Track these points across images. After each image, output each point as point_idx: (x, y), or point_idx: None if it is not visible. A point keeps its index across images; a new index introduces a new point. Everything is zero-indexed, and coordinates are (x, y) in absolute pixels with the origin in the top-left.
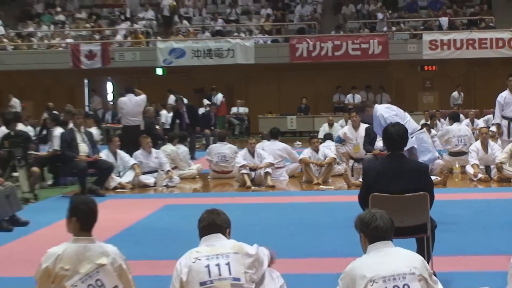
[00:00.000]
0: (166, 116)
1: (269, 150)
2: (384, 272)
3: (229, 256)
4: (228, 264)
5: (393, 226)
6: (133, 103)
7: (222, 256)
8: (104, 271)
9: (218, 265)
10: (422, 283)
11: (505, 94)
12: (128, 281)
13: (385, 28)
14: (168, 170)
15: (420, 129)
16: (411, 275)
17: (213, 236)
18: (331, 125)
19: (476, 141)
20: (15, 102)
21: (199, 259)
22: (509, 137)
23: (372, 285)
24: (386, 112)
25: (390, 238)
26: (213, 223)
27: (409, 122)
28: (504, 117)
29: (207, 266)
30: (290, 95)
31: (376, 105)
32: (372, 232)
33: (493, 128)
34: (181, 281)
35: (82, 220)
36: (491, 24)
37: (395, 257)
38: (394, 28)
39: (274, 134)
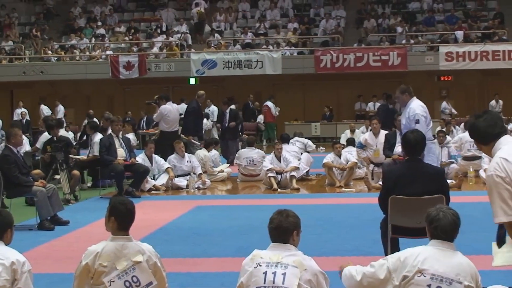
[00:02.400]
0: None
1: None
2: (435, 271)
3: (288, 267)
4: (284, 274)
5: (455, 227)
6: (176, 111)
7: (282, 266)
8: (140, 268)
9: (274, 273)
10: None
11: None
12: (162, 277)
13: (404, 41)
14: (200, 173)
15: (432, 139)
16: (457, 283)
17: (282, 246)
18: (352, 131)
19: None
20: (60, 109)
21: (260, 265)
22: None
23: (419, 276)
24: (419, 108)
25: (452, 239)
26: (280, 226)
27: (430, 130)
28: None
29: (265, 272)
30: (315, 103)
31: (415, 97)
32: (432, 231)
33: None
34: (241, 283)
35: (120, 220)
36: (504, 37)
37: (451, 261)
38: (412, 41)
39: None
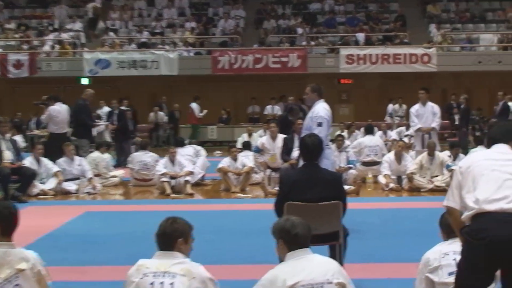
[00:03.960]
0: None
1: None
2: (304, 280)
3: (176, 276)
4: (172, 284)
5: (310, 233)
6: (65, 112)
7: (169, 275)
8: (23, 276)
9: (162, 283)
10: None
11: (417, 106)
12: (46, 287)
13: (304, 43)
14: (90, 177)
15: (328, 145)
16: (328, 284)
17: (168, 254)
18: (250, 135)
19: (388, 152)
20: None
21: (147, 276)
22: (422, 147)
23: None
24: (324, 111)
25: (308, 245)
26: (164, 233)
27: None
28: (417, 129)
29: (152, 283)
30: (212, 106)
31: (322, 100)
32: (293, 239)
33: (406, 139)
34: None
35: (3, 225)
36: (405, 40)
37: (314, 265)
38: (313, 43)
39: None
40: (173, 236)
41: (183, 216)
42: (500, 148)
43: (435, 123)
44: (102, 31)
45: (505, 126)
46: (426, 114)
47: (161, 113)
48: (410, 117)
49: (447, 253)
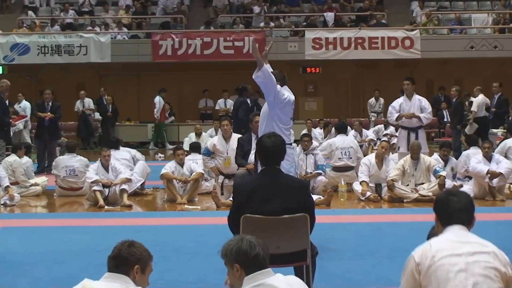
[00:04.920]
0: None
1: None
2: None
3: None
4: None
5: (269, 252)
6: None
7: None
8: None
9: None
10: None
11: (401, 100)
12: None
13: (262, 24)
14: (7, 186)
15: (290, 144)
16: None
17: (119, 277)
18: (198, 134)
19: (364, 155)
20: None
21: None
22: (408, 149)
23: None
24: (287, 92)
25: (268, 266)
26: (119, 255)
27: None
28: (402, 127)
29: None
30: (152, 100)
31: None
32: (252, 262)
33: (389, 139)
34: None
35: None
36: (382, 21)
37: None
38: (272, 24)
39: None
40: (128, 261)
41: (119, 233)
42: (459, 234)
43: (423, 116)
44: (16, 6)
45: (464, 198)
46: (412, 110)
47: (88, 99)
48: (389, 112)
49: None
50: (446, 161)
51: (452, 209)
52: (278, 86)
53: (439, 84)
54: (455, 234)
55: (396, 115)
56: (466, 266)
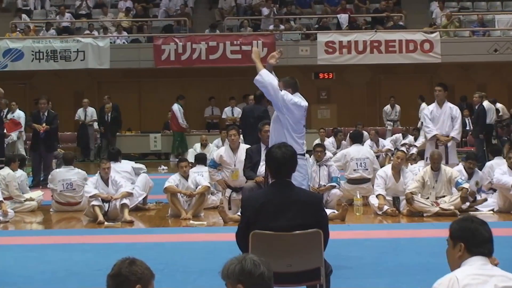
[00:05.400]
0: None
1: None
2: None
3: None
4: None
5: (272, 272)
6: None
7: None
8: None
9: None
10: None
11: (432, 107)
12: None
13: (271, 27)
14: (0, 201)
15: (303, 154)
16: None
17: None
18: (204, 145)
19: (381, 166)
20: None
21: None
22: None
23: None
24: (300, 99)
25: (272, 286)
26: (118, 274)
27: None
28: (432, 137)
29: None
30: (154, 108)
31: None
32: (257, 282)
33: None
34: None
35: None
36: (400, 23)
37: None
38: (282, 27)
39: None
40: (129, 280)
41: (121, 250)
42: (484, 267)
43: (455, 131)
44: (10, 8)
45: (489, 228)
46: (443, 118)
47: (91, 109)
48: (424, 120)
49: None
50: (471, 174)
51: (483, 239)
52: (288, 93)
53: (461, 90)
54: (479, 267)
55: (434, 133)
56: None
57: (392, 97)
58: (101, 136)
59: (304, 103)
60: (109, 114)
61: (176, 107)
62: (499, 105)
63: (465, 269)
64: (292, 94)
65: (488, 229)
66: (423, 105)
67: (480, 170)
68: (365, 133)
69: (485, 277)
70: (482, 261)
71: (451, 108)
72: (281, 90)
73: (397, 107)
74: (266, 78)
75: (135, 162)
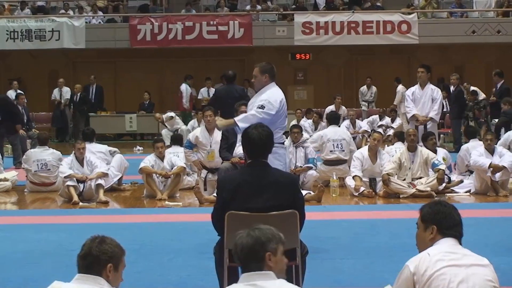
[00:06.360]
0: None
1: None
2: None
3: None
4: None
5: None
6: None
7: None
8: None
9: None
10: None
11: (414, 88)
12: None
13: (248, 7)
14: None
15: (282, 143)
16: None
17: (91, 278)
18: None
19: (358, 148)
20: None
21: None
22: (418, 142)
23: None
24: (279, 94)
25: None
26: (88, 253)
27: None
28: (411, 117)
29: None
30: (130, 89)
31: (274, 83)
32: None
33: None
34: None
35: None
36: (378, 4)
37: None
38: (259, 7)
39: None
40: (100, 260)
41: (96, 231)
42: (456, 247)
43: (434, 112)
44: None
45: (458, 212)
46: (424, 99)
47: (66, 89)
48: (406, 101)
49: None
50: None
51: (455, 222)
52: (267, 107)
53: (438, 71)
54: (451, 246)
55: (413, 112)
56: (467, 277)
57: (369, 77)
58: (73, 118)
59: (281, 97)
60: (79, 94)
61: (183, 87)
62: (474, 88)
63: (437, 247)
64: (269, 82)
65: (458, 213)
66: (400, 86)
67: (457, 152)
68: (343, 108)
69: (457, 255)
70: (453, 241)
71: (432, 90)
72: (259, 77)
73: (373, 88)
74: (244, 121)
75: (108, 146)
